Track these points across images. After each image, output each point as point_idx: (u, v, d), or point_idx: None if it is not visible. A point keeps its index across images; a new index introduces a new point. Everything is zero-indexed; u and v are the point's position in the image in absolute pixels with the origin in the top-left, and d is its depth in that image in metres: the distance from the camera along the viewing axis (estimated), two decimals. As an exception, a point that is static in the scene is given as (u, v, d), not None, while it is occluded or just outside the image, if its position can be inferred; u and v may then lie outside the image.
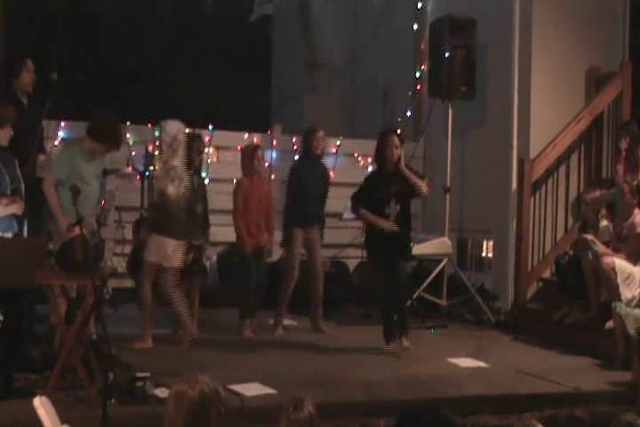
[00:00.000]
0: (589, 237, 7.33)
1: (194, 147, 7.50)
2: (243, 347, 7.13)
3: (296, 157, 8.52)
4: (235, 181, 8.09)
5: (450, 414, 3.22)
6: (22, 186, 5.97)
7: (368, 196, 7.07)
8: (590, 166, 9.01)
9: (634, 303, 6.96)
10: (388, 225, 6.93)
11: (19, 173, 5.98)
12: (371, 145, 7.55)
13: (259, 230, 7.69)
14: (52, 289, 5.56)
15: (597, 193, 7.76)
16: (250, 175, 7.68)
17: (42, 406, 3.60)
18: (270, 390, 5.70)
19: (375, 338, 7.24)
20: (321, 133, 7.82)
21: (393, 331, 7.07)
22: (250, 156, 7.68)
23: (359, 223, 8.70)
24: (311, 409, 3.49)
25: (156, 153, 8.78)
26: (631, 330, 6.59)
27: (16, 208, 5.86)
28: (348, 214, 8.51)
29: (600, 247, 7.17)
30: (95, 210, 6.78)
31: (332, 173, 8.81)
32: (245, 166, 7.71)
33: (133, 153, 9.13)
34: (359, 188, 7.23)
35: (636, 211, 7.25)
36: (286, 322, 7.98)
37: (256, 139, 9.90)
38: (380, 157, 7.07)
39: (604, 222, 7.66)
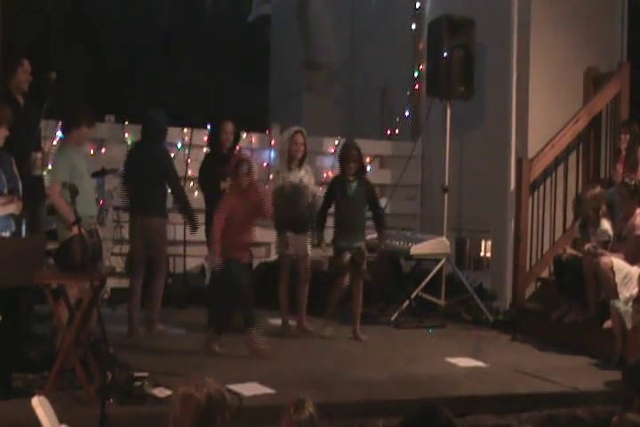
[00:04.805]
0: (589, 246, 7.33)
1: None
2: (240, 346, 7.12)
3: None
4: None
5: (451, 414, 3.22)
6: (20, 185, 5.95)
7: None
8: (588, 166, 9.01)
9: (631, 302, 6.96)
10: None
11: (16, 172, 5.96)
12: (370, 145, 7.55)
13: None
14: (50, 289, 5.55)
15: (597, 190, 7.71)
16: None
17: (40, 405, 3.60)
18: (269, 390, 5.70)
19: (373, 337, 7.21)
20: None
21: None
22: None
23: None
24: (312, 410, 3.50)
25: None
26: (629, 326, 6.60)
27: (14, 208, 5.83)
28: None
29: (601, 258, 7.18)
30: (96, 206, 6.83)
31: (330, 173, 8.83)
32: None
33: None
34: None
35: (637, 211, 7.23)
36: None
37: (254, 139, 9.89)
38: (214, 141, 7.71)
39: (605, 223, 7.59)
